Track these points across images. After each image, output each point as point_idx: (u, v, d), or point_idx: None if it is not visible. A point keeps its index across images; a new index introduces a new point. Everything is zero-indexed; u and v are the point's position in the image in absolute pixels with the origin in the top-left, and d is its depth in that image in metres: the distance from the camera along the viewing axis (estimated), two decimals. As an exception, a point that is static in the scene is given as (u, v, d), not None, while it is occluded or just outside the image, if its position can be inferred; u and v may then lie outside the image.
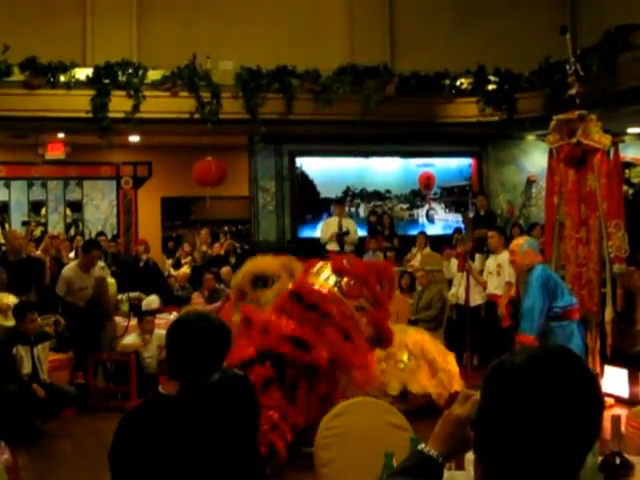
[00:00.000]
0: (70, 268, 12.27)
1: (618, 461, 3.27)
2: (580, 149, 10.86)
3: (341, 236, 16.31)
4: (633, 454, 3.62)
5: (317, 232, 18.01)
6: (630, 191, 16.79)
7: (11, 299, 11.56)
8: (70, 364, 11.82)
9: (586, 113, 10.86)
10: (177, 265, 16.65)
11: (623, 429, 4.03)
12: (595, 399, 1.96)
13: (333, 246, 16.26)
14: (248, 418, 3.23)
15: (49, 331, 10.81)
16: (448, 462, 2.38)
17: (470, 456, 3.44)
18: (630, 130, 17.83)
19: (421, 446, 2.26)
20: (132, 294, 13.74)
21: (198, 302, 13.57)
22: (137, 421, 3.65)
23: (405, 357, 10.48)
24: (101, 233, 17.95)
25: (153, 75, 15.99)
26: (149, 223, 19.18)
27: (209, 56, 16.19)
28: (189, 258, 16.55)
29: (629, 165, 18.19)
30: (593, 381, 1.99)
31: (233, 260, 16.00)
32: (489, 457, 1.98)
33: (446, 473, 3.15)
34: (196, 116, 15.99)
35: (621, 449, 3.37)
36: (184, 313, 4.54)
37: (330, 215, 17.34)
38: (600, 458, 3.32)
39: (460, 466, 3.66)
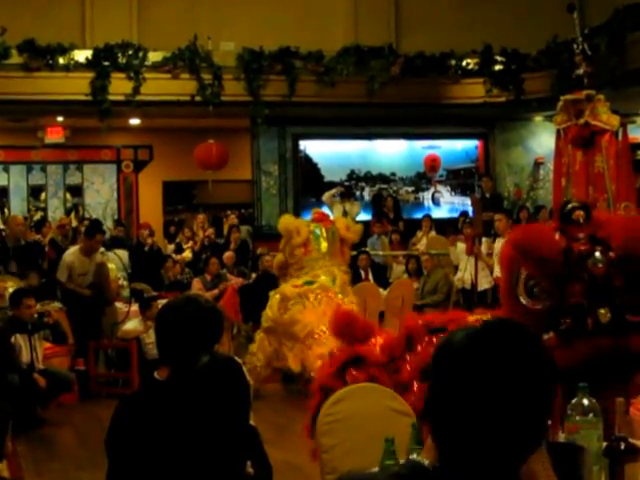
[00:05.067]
0: (71, 253, 12.18)
1: (623, 446, 3.20)
2: (588, 130, 10.71)
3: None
4: (639, 438, 3.58)
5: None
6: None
7: (10, 284, 11.51)
8: (69, 351, 11.66)
9: (594, 93, 10.72)
10: (179, 250, 16.56)
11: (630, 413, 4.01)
12: (540, 367, 1.95)
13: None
14: (238, 399, 3.24)
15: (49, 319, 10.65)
16: None
17: None
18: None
19: (413, 456, 2.17)
20: (137, 285, 13.68)
21: (198, 288, 13.43)
22: (132, 407, 3.67)
23: None
24: (98, 221, 17.78)
25: (153, 57, 15.90)
26: (150, 207, 19.25)
27: (210, 37, 16.10)
28: (190, 243, 16.46)
29: (639, 146, 18.02)
30: (538, 349, 1.98)
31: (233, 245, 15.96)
32: (443, 439, 1.97)
33: None
34: (197, 98, 15.92)
35: (627, 434, 3.31)
36: (173, 298, 4.45)
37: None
38: (605, 443, 3.27)
39: None
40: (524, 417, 1.92)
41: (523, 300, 5.51)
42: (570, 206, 5.74)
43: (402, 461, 2.48)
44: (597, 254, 5.32)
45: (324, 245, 11.34)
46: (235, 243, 16.00)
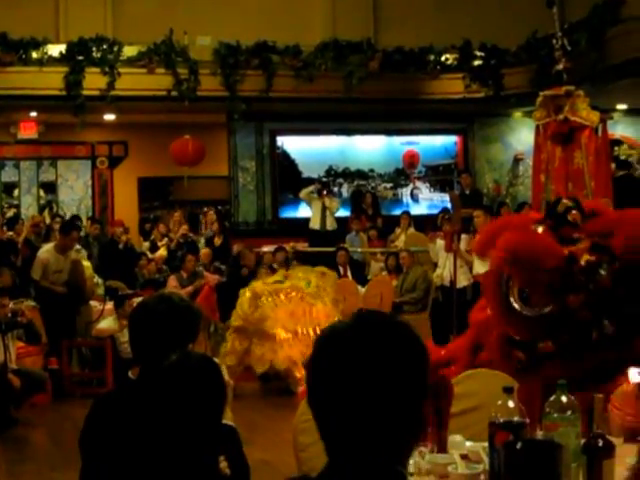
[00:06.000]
0: (46, 250, 12.10)
1: (601, 443, 3.19)
2: (567, 126, 10.58)
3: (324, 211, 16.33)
4: (616, 435, 3.64)
5: (299, 212, 18.02)
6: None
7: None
8: (42, 350, 11.58)
9: (573, 89, 10.59)
10: (154, 247, 16.41)
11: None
12: (413, 361, 2.01)
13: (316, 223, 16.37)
14: (210, 398, 3.19)
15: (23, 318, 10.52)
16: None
17: (453, 439, 3.66)
18: (619, 106, 17.75)
19: None
20: (113, 283, 13.63)
21: (173, 285, 13.30)
22: (105, 407, 3.64)
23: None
24: (92, 218, 17.81)
25: (129, 51, 15.84)
26: (125, 204, 19.16)
27: (186, 31, 16.04)
28: (165, 240, 16.34)
29: (618, 142, 18.02)
30: (410, 343, 2.04)
31: (219, 241, 15.91)
32: (327, 431, 2.01)
33: (428, 456, 3.44)
34: (173, 93, 15.86)
35: (604, 431, 3.32)
36: (148, 296, 4.40)
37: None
38: (583, 440, 3.25)
39: (442, 449, 3.65)
40: (396, 410, 1.96)
41: (516, 306, 5.35)
42: (564, 206, 5.55)
43: None
44: (603, 267, 5.16)
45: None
46: (219, 238, 16.01)
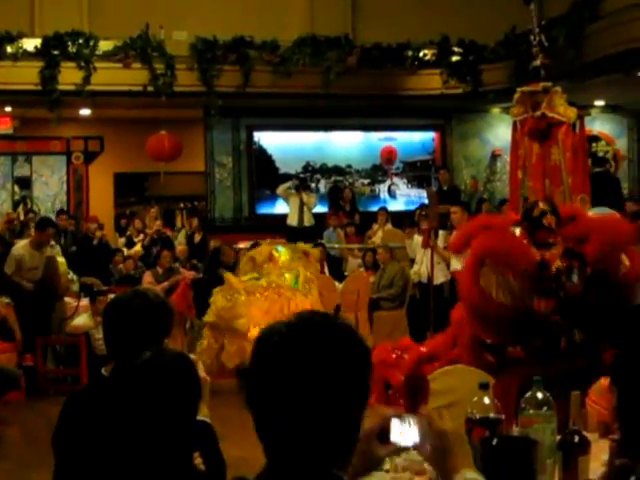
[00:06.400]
0: (21, 246, 12.08)
1: (576, 439, 3.21)
2: (545, 122, 10.55)
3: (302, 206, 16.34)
4: (594, 430, 3.70)
5: (276, 208, 17.97)
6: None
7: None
8: (16, 347, 11.49)
9: (551, 85, 10.57)
10: (130, 243, 16.32)
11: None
12: (352, 363, 1.98)
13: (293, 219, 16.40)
14: (184, 395, 3.17)
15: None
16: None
17: None
18: (597, 103, 17.81)
19: None
20: (87, 279, 13.56)
21: (148, 281, 13.24)
22: (78, 404, 3.64)
23: None
24: (61, 211, 17.65)
25: (104, 46, 15.76)
26: (101, 200, 19.05)
27: (163, 26, 15.97)
28: (141, 236, 16.27)
29: (596, 139, 18.06)
30: (350, 345, 2.00)
31: (199, 237, 15.93)
32: (264, 434, 2.00)
33: (404, 453, 3.31)
34: (149, 88, 15.77)
35: (580, 427, 3.34)
36: (122, 292, 4.41)
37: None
38: (559, 436, 3.29)
39: None
40: (334, 413, 1.94)
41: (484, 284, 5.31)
42: (539, 210, 5.50)
43: None
44: (575, 273, 5.12)
45: (288, 254, 11.56)
46: (199, 234, 16.04)
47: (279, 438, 1.97)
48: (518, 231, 5.53)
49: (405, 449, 2.41)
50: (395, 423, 2.35)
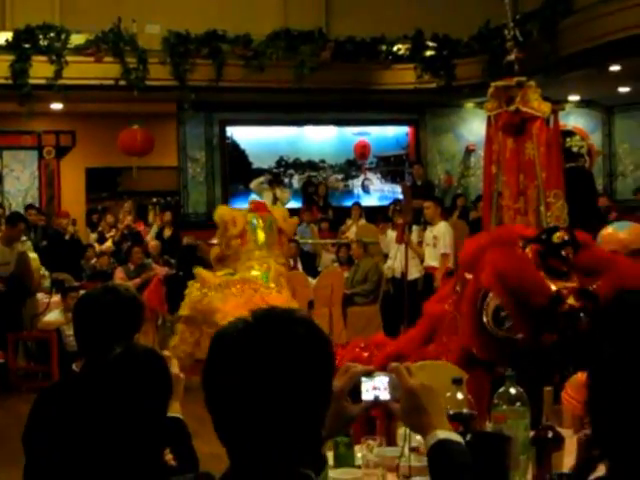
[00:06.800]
0: None
1: (550, 435, 3.22)
2: (519, 117, 10.52)
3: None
4: (569, 425, 3.71)
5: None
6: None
7: None
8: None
9: (525, 80, 10.56)
10: (101, 239, 16.20)
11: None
12: (312, 361, 1.95)
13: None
14: (154, 391, 3.13)
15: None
16: (328, 439, 2.37)
17: (402, 431, 3.43)
18: (571, 97, 17.85)
19: None
20: (59, 275, 13.45)
21: (120, 277, 13.17)
22: (48, 401, 3.62)
23: None
24: (30, 206, 17.41)
25: (76, 39, 15.65)
26: (73, 195, 18.95)
27: (135, 19, 15.85)
28: (113, 231, 16.17)
29: (570, 134, 18.11)
30: (310, 337, 1.97)
31: (169, 233, 15.85)
32: (225, 434, 1.98)
33: (376, 449, 3.40)
34: (122, 82, 15.69)
35: (554, 423, 3.36)
36: (92, 288, 4.46)
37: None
38: (532, 432, 3.29)
39: (391, 442, 3.66)
40: (296, 410, 1.91)
41: (486, 320, 5.22)
42: (560, 238, 5.37)
43: None
44: (583, 315, 5.02)
45: (261, 236, 11.34)
46: (169, 229, 15.98)
47: (239, 437, 1.93)
48: (529, 251, 5.40)
49: (376, 405, 2.42)
50: (365, 381, 2.38)
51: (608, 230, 5.41)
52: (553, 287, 5.13)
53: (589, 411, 2.30)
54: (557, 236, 5.37)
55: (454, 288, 6.03)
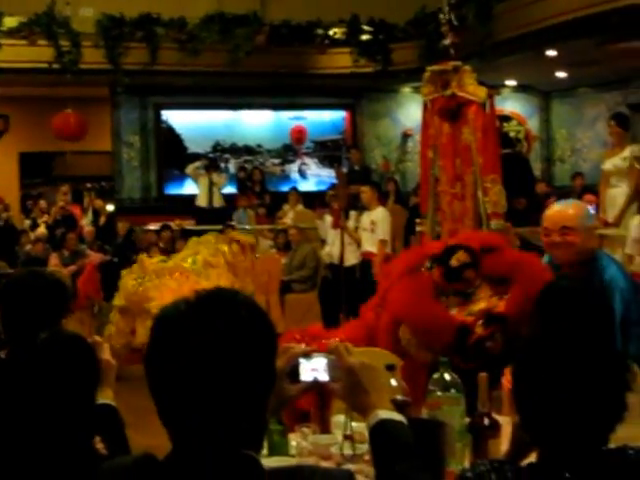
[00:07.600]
0: None
1: (486, 422, 3.23)
2: (454, 101, 10.53)
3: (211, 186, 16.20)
4: (508, 412, 3.66)
5: (185, 189, 17.75)
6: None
7: None
8: None
9: (460, 64, 10.57)
10: (34, 225, 16.02)
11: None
12: (252, 334, 1.90)
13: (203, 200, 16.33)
14: (81, 378, 3.08)
15: None
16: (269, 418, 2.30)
17: (336, 419, 3.63)
18: (508, 82, 17.90)
19: None
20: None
21: (55, 264, 12.95)
22: None
23: None
24: None
25: (9, 22, 15.44)
26: (6, 180, 18.69)
27: (69, 2, 15.61)
28: (45, 217, 15.94)
29: (507, 119, 18.20)
30: (251, 317, 1.93)
31: (104, 219, 15.72)
32: (167, 417, 1.95)
33: (310, 437, 3.45)
34: (55, 66, 15.44)
35: (493, 409, 3.39)
36: (16, 272, 4.19)
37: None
38: (468, 419, 3.29)
39: (325, 430, 3.65)
40: (239, 393, 1.87)
41: (404, 344, 5.17)
42: (459, 262, 5.30)
43: None
44: (496, 336, 4.99)
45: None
46: (104, 215, 15.85)
47: (183, 420, 1.91)
48: (436, 272, 5.33)
49: (315, 386, 2.43)
50: (303, 362, 2.38)
51: (555, 209, 5.30)
52: (458, 317, 5.09)
53: (514, 397, 2.30)
54: (456, 258, 5.30)
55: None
